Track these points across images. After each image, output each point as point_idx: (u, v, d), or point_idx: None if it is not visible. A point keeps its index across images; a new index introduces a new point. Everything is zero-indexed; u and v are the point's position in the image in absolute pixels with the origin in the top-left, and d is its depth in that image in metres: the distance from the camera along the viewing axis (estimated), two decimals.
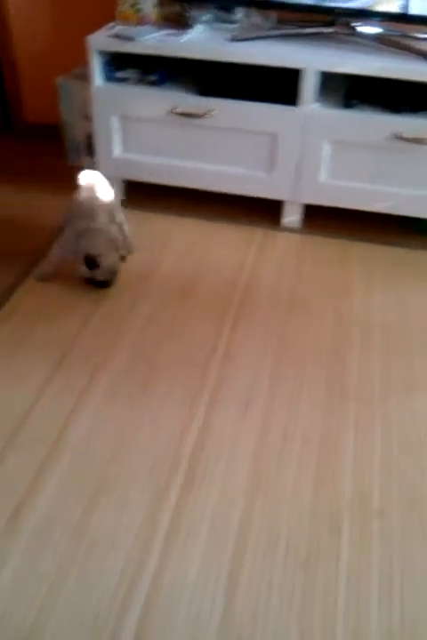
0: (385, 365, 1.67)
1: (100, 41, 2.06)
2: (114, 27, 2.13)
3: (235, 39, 2.05)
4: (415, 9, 1.95)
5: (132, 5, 2.14)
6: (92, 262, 1.79)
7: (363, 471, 1.38)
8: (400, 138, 1.97)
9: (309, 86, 1.97)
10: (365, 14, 2.01)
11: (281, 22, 2.21)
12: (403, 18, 1.99)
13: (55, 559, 1.19)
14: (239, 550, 1.22)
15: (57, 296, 1.88)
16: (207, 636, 1.08)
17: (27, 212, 2.28)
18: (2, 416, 1.48)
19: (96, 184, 1.81)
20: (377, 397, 1.57)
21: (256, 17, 2.21)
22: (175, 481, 1.35)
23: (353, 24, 2.07)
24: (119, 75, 2.15)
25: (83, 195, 1.79)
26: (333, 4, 2.01)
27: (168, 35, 2.06)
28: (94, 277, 1.82)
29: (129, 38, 2.01)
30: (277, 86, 2.04)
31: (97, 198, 1.80)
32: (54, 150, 2.80)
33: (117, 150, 2.27)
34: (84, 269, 1.83)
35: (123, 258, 1.93)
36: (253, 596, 1.15)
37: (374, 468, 1.39)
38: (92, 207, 1.79)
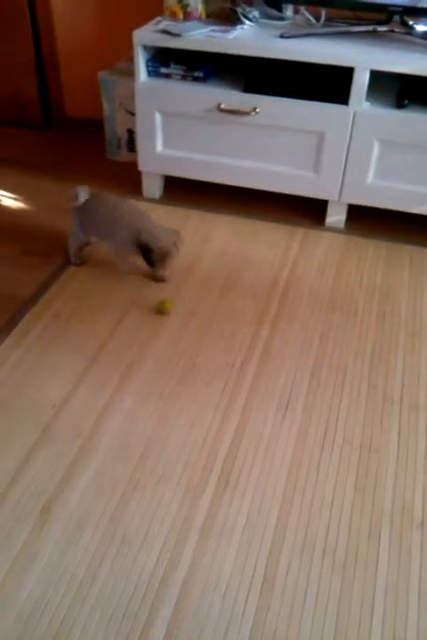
0: None
1: (147, 36, 2.05)
2: (160, 22, 2.13)
3: (284, 36, 2.02)
4: None
5: (180, 1, 2.13)
6: (145, 248, 1.80)
7: (405, 478, 1.33)
8: None
9: (359, 85, 1.93)
10: (422, 11, 1.96)
11: (330, 20, 2.18)
12: None
13: (87, 554, 1.18)
14: (275, 550, 1.19)
15: (93, 291, 1.89)
16: (240, 634, 1.06)
17: (65, 206, 2.28)
18: (36, 410, 1.48)
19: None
20: (422, 403, 1.51)
21: (305, 14, 2.18)
22: (210, 479, 1.32)
23: (410, 22, 2.02)
24: (164, 70, 2.15)
25: (108, 202, 1.89)
26: (389, 1, 1.97)
27: (216, 31, 2.04)
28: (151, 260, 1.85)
29: (176, 34, 2.01)
30: (324, 85, 2.00)
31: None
32: (95, 145, 2.82)
33: (160, 146, 2.26)
34: (143, 258, 1.84)
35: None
36: (289, 596, 1.11)
37: (417, 477, 1.34)
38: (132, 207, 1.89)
